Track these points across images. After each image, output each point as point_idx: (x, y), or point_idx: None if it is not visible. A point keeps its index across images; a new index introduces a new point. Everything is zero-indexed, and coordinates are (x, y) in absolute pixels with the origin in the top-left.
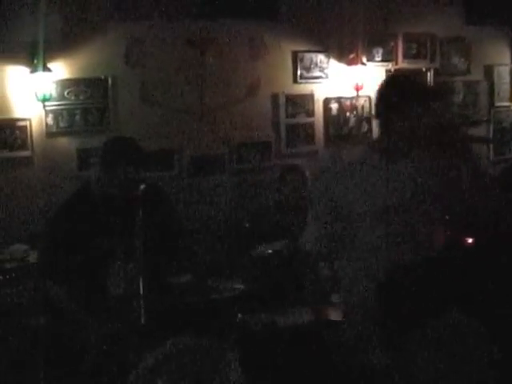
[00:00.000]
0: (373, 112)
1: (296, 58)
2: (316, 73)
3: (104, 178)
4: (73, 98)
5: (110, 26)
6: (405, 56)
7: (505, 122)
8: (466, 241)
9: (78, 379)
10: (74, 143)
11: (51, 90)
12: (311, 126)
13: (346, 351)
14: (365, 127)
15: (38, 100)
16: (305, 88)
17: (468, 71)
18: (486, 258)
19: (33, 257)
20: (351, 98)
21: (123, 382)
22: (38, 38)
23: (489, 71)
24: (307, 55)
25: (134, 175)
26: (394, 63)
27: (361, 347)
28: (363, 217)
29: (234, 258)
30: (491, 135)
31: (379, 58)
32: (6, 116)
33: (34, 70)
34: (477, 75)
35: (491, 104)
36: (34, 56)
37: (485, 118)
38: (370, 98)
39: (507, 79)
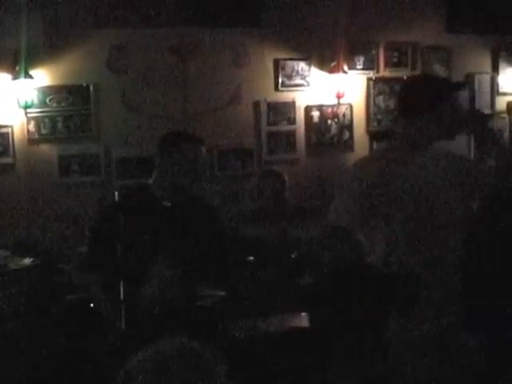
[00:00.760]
0: (354, 120)
1: (278, 66)
2: (298, 81)
3: (162, 181)
4: (55, 104)
5: (93, 33)
6: (386, 64)
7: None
8: None
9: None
10: (56, 150)
11: (33, 96)
12: (293, 133)
13: None
14: (346, 135)
15: (20, 107)
16: (286, 96)
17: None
18: None
19: (13, 263)
20: (332, 106)
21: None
22: (21, 44)
23: (470, 79)
24: (289, 63)
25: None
26: (375, 71)
27: None
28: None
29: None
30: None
31: (361, 66)
32: None
33: (16, 76)
34: None
35: None
36: (16, 63)
37: None
38: (351, 105)
39: (488, 87)
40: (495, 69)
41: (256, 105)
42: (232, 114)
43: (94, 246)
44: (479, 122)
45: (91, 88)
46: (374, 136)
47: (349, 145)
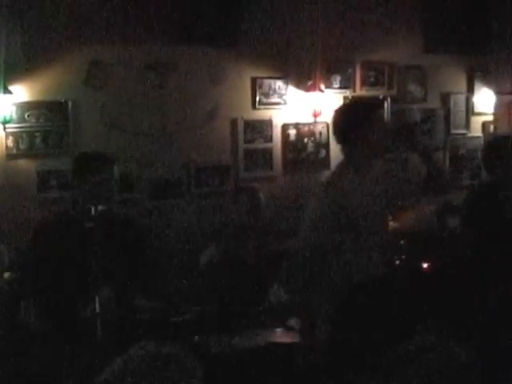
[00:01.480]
0: (331, 138)
1: (255, 84)
2: (275, 99)
3: (78, 203)
4: (33, 120)
5: (72, 49)
6: (363, 83)
7: (461, 150)
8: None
9: None
10: (34, 165)
11: (12, 112)
12: (269, 151)
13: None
14: (322, 153)
15: None
16: (263, 114)
17: (424, 99)
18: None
19: None
20: (309, 124)
21: None
22: None
23: (445, 99)
24: (266, 81)
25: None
26: (352, 90)
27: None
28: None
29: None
30: (447, 163)
31: (337, 85)
32: None
33: None
34: (433, 103)
35: (447, 131)
36: None
37: (441, 146)
38: (327, 124)
39: (463, 107)
40: (470, 89)
41: (233, 122)
42: (210, 131)
43: (27, 272)
44: (407, 132)
45: (69, 104)
46: None
47: (325, 163)
